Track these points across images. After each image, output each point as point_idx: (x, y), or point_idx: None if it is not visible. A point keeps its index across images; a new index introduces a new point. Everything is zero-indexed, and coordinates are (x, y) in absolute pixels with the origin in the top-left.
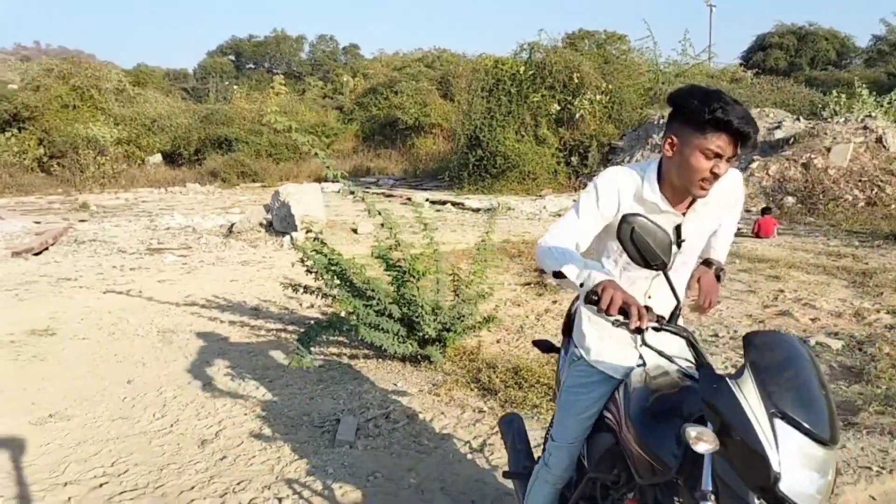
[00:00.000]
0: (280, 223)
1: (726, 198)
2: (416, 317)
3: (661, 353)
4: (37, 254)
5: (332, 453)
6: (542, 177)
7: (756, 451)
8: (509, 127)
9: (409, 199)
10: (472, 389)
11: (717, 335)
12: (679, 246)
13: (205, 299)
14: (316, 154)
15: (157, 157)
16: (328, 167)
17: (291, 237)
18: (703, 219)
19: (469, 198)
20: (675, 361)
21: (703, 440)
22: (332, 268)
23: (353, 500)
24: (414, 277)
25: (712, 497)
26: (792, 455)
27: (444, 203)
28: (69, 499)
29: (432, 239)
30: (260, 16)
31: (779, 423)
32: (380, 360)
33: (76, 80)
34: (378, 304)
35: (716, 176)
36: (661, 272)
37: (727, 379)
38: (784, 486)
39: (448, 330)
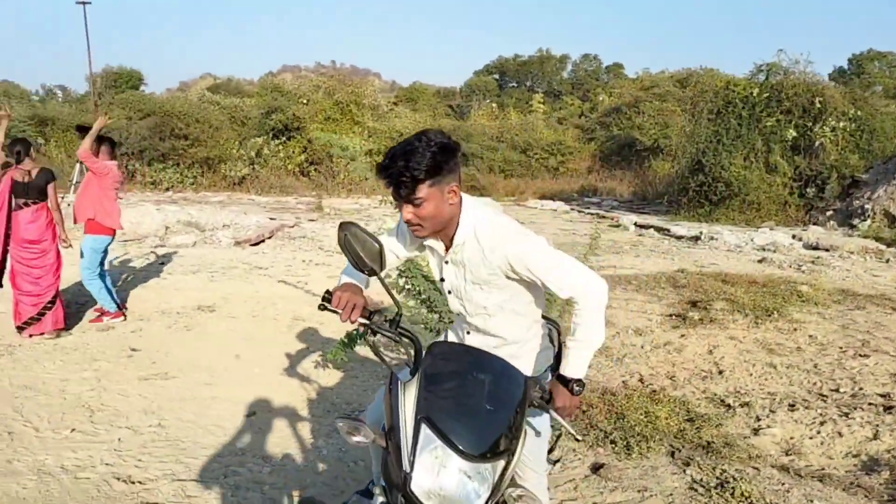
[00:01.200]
0: None
1: (497, 260)
2: None
3: (375, 351)
4: (254, 244)
5: None
6: (767, 207)
7: (399, 450)
8: (737, 152)
9: (617, 222)
10: None
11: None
12: (443, 280)
13: None
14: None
15: None
16: None
17: None
18: (463, 264)
19: (679, 224)
20: (384, 359)
21: (354, 434)
22: None
23: None
24: None
25: (380, 492)
26: (426, 459)
27: (648, 227)
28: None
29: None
30: (526, 36)
31: (423, 427)
32: None
33: (339, 96)
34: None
35: (407, 221)
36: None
37: (399, 381)
38: (414, 486)
39: None
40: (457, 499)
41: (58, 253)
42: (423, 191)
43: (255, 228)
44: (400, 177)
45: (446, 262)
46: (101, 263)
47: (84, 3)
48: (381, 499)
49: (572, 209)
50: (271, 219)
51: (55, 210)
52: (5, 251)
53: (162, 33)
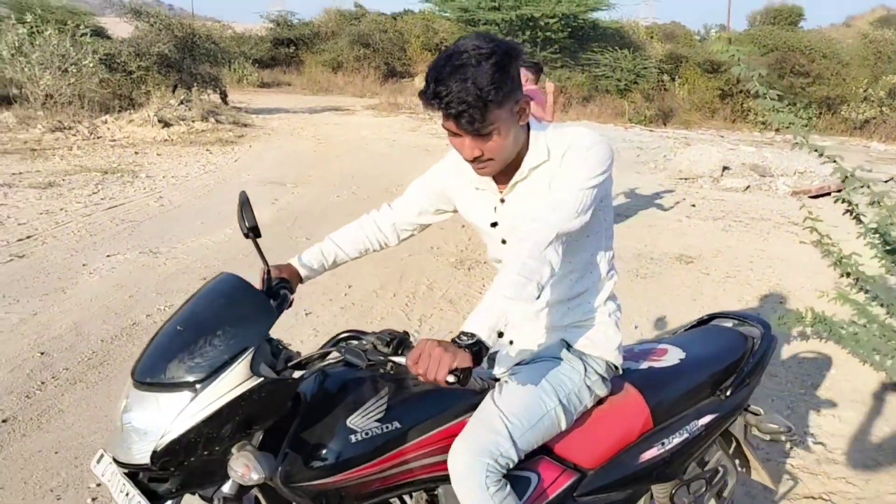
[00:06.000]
0: None
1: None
2: None
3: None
4: (813, 196)
5: None
6: None
7: None
8: None
9: None
10: None
11: None
12: (494, 226)
13: None
14: None
15: None
16: None
17: None
18: (529, 197)
19: None
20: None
21: None
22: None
23: None
24: None
25: None
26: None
27: None
28: None
29: None
30: None
31: None
32: None
33: None
34: None
35: (472, 158)
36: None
37: None
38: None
39: None
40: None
41: None
42: (493, 117)
43: (822, 179)
44: (461, 104)
45: (502, 202)
46: None
47: None
48: None
49: None
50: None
51: None
52: None
53: None
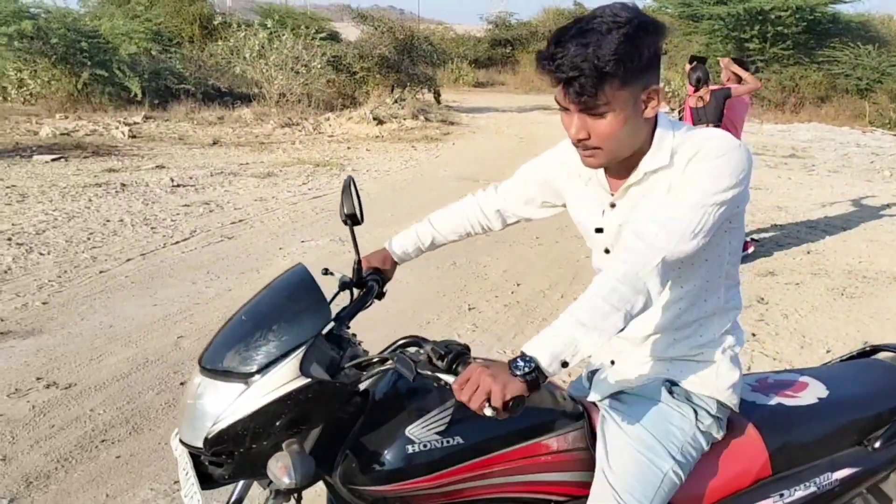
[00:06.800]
0: None
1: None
2: None
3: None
4: None
5: None
6: None
7: None
8: None
9: None
10: None
11: None
12: (599, 232)
13: None
14: None
15: None
16: None
17: None
18: (631, 211)
19: None
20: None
21: None
22: None
23: None
24: None
25: None
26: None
27: None
28: None
29: None
30: None
31: None
32: None
33: None
34: None
35: (577, 140)
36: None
37: None
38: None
39: None
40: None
41: None
42: (609, 93)
43: None
44: (573, 69)
45: (612, 206)
46: None
47: None
48: None
49: None
50: None
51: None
52: None
53: None
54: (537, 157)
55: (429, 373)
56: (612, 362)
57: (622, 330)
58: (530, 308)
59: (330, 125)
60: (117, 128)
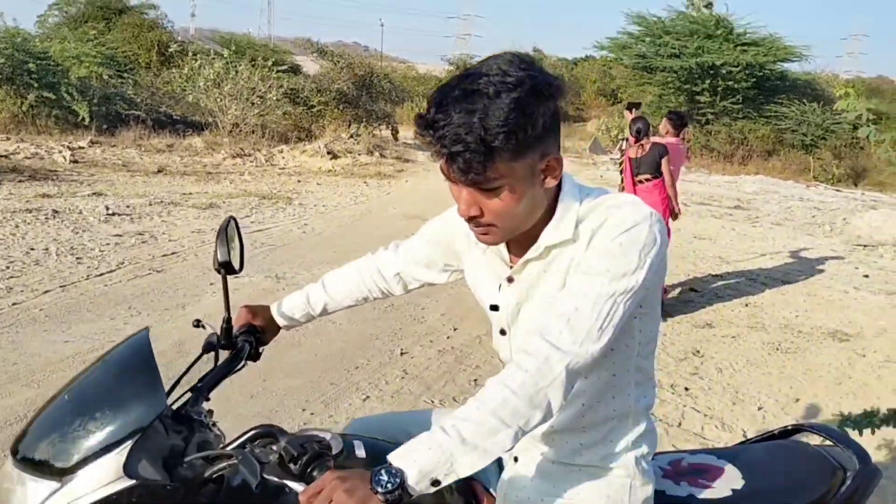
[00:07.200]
0: None
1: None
2: None
3: None
4: None
5: None
6: None
7: None
8: None
9: None
10: None
11: None
12: (494, 310)
13: None
14: None
15: None
16: None
17: None
18: (531, 288)
19: None
20: None
21: None
22: None
23: None
24: None
25: None
26: None
27: None
28: None
29: None
30: None
31: None
32: None
33: None
34: None
35: (469, 217)
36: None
37: None
38: None
39: None
40: None
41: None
42: (500, 169)
43: None
44: (456, 143)
45: (509, 280)
46: None
47: None
48: None
49: None
50: None
51: (670, 186)
52: None
53: None
54: (441, 215)
55: (275, 479)
56: (515, 459)
57: (510, 449)
58: (464, 354)
59: (283, 157)
60: (60, 152)
